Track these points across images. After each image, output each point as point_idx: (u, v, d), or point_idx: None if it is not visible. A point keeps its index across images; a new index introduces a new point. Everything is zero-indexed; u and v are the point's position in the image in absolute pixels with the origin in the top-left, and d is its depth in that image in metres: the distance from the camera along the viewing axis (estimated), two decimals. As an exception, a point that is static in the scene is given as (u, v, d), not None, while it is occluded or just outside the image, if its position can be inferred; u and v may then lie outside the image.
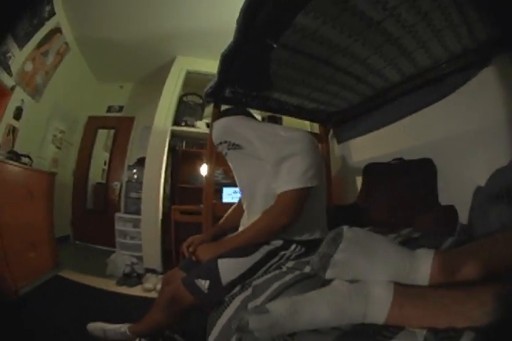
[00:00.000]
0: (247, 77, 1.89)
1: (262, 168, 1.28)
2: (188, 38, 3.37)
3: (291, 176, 1.18)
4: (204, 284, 1.09)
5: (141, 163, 3.59)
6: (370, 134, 2.46)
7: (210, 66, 3.49)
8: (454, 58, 1.65)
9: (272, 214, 1.17)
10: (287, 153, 1.20)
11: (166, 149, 3.41)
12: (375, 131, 2.41)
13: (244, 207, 1.41)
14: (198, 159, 3.76)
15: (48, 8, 2.93)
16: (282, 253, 1.18)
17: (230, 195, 3.26)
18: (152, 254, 3.27)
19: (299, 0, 1.22)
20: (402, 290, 0.62)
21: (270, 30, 1.40)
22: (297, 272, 0.99)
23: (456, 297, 0.57)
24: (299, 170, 1.17)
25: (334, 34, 1.46)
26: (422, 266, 0.65)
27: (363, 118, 2.46)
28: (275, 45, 1.47)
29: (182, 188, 3.77)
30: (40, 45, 3.07)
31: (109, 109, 4.60)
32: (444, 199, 1.67)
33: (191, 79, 3.70)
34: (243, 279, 1.10)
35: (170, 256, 3.22)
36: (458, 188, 1.58)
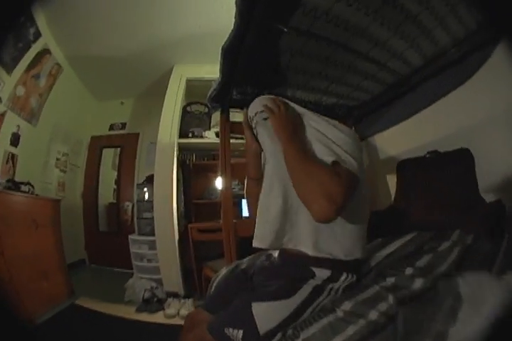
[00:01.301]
0: (257, 73, 1.63)
1: None
2: (183, 45, 3.20)
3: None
4: (236, 334, 0.87)
5: (150, 180, 3.39)
6: (395, 127, 2.23)
7: (210, 71, 3.30)
8: (472, 34, 1.50)
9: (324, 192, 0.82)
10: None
11: (175, 164, 3.21)
12: (400, 123, 2.18)
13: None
14: (210, 172, 3.59)
15: (32, 31, 2.81)
16: (330, 286, 0.92)
17: None
18: (172, 277, 3.07)
19: None
20: None
21: (277, 12, 1.17)
22: (361, 321, 0.75)
23: None
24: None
25: (350, 13, 1.26)
26: None
27: (386, 110, 2.23)
28: (285, 29, 1.23)
29: (197, 204, 3.56)
30: (29, 68, 2.97)
31: (112, 127, 4.49)
32: (485, 193, 1.48)
33: (193, 88, 3.53)
34: (285, 326, 0.86)
35: (191, 277, 3.05)
36: (499, 179, 1.45)
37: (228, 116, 1.97)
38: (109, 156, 4.48)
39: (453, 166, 1.67)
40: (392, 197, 2.05)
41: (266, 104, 1.05)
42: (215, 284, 1.37)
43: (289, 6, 1.15)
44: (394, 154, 2.19)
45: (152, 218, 3.22)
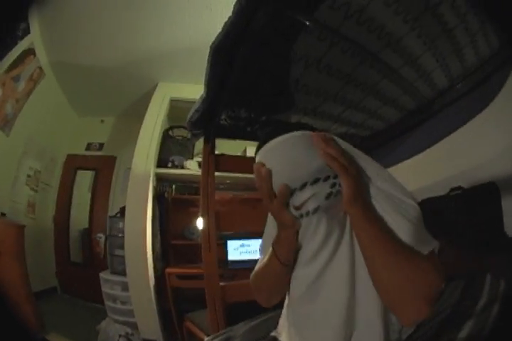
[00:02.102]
0: (255, 90, 1.24)
1: None
2: (170, 60, 2.93)
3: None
4: None
5: (123, 213, 2.95)
6: (411, 159, 1.93)
7: (198, 92, 3.06)
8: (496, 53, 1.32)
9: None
10: None
11: (150, 197, 2.79)
12: (418, 155, 1.88)
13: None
14: (192, 207, 3.14)
15: (22, 26, 2.52)
16: None
17: (237, 251, 2.56)
18: (148, 323, 2.69)
19: None
20: None
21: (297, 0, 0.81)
22: None
23: None
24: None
25: (388, 16, 0.97)
26: None
27: (401, 141, 1.96)
28: (307, 22, 0.86)
29: (175, 245, 3.07)
30: (10, 68, 2.65)
31: (89, 147, 4.10)
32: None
33: (177, 109, 3.16)
34: None
35: (172, 326, 2.67)
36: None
37: (213, 147, 1.57)
38: (86, 178, 4.09)
39: (480, 204, 1.46)
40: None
41: (329, 154, 0.61)
42: None
43: None
44: (411, 190, 1.84)
45: (124, 256, 2.82)
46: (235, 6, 0.77)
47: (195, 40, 2.60)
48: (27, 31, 2.59)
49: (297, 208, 0.63)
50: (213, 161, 1.56)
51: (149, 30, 2.57)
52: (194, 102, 2.90)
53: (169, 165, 3.02)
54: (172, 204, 3.15)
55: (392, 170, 2.00)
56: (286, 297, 0.86)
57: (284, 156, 0.64)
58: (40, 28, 2.67)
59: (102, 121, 4.15)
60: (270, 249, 0.77)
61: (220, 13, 2.29)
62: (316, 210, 0.62)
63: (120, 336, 2.58)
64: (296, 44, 0.99)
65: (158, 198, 2.98)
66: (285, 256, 0.73)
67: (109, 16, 2.46)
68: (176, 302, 2.63)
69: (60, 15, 2.50)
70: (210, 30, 2.41)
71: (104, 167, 4.00)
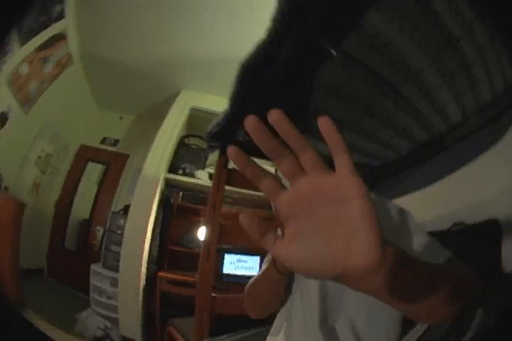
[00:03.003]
0: (280, 109, 1.23)
1: None
2: (197, 69, 2.94)
3: None
4: None
5: (127, 211, 2.98)
6: (418, 192, 1.88)
7: (219, 104, 3.05)
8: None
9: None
10: None
11: (156, 200, 2.82)
12: (425, 188, 1.85)
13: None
14: (194, 216, 3.13)
15: (58, 8, 2.49)
16: None
17: (233, 265, 2.54)
18: (130, 322, 2.65)
19: None
20: None
21: (327, 28, 0.86)
22: None
23: None
24: None
25: (411, 49, 1.01)
26: None
27: (409, 173, 1.94)
28: (335, 53, 0.91)
29: (172, 251, 3.06)
30: (41, 47, 2.61)
31: (104, 141, 4.01)
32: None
33: (196, 119, 3.20)
34: None
35: (153, 329, 2.64)
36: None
37: (227, 161, 1.60)
38: (96, 171, 3.95)
39: (482, 241, 1.36)
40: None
41: None
42: None
43: (345, 23, 0.85)
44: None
45: (119, 253, 2.83)
46: (270, 30, 0.81)
47: (224, 52, 2.60)
48: (61, 15, 2.55)
49: None
50: (226, 175, 1.60)
51: (183, 36, 2.59)
52: (214, 113, 2.97)
53: (180, 172, 3.04)
54: (176, 210, 3.14)
55: (397, 201, 2.01)
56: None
57: None
58: (76, 15, 2.64)
59: (121, 117, 4.05)
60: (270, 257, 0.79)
61: (251, 29, 2.35)
62: None
63: (98, 328, 2.58)
64: (319, 71, 1.03)
65: (163, 203, 3.00)
66: (282, 264, 0.74)
67: (148, 15, 2.46)
68: (162, 306, 2.63)
69: (99, 5, 2.50)
70: (240, 45, 2.49)
71: (115, 163, 3.93)
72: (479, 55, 1.11)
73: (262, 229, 0.36)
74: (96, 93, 3.65)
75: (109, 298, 2.83)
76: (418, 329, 0.96)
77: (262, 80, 1.00)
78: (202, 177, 3.03)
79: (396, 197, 1.96)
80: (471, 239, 1.38)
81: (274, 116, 0.38)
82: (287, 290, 0.84)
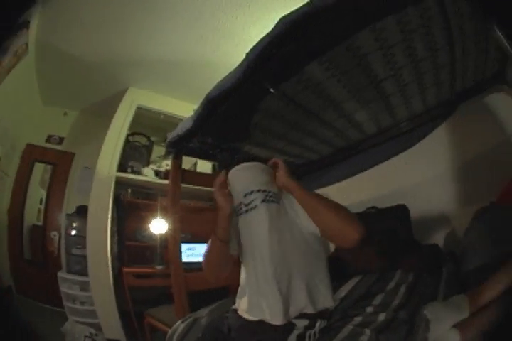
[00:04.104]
0: (227, 127, 1.55)
1: (294, 223, 1.05)
2: (147, 67, 2.84)
3: None
4: None
5: (81, 212, 2.85)
6: (336, 185, 2.37)
7: (164, 104, 3.10)
8: (425, 112, 1.80)
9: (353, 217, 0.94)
10: None
11: (111, 199, 2.78)
12: (342, 181, 2.34)
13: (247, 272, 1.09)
14: (143, 211, 3.13)
15: None
16: (309, 332, 0.96)
17: (185, 253, 2.62)
18: (111, 323, 2.57)
19: (319, 48, 1.05)
20: None
21: (276, 74, 1.16)
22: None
23: None
24: None
25: (336, 88, 1.34)
26: None
27: (330, 169, 2.34)
28: (274, 91, 1.23)
29: (129, 246, 3.03)
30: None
31: (49, 139, 3.69)
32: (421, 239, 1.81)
33: (140, 116, 3.14)
34: None
35: (131, 324, 2.57)
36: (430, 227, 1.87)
37: (181, 163, 1.81)
38: (39, 171, 3.64)
39: (392, 219, 1.84)
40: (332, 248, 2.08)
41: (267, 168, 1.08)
42: None
43: (291, 71, 1.15)
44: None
45: (82, 256, 2.69)
46: (235, 74, 1.08)
47: (176, 54, 2.60)
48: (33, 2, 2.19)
49: (246, 205, 1.02)
50: (180, 174, 1.80)
51: (138, 35, 2.46)
52: (158, 113, 3.12)
53: (128, 170, 3.03)
54: (127, 207, 3.10)
55: (319, 191, 2.34)
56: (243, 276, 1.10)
57: (245, 174, 1.06)
58: (43, 4, 2.34)
59: (65, 113, 3.75)
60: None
61: (207, 35, 2.34)
62: (255, 207, 1.02)
63: (85, 337, 2.42)
64: (262, 101, 1.32)
65: (115, 200, 2.93)
66: (221, 233, 1.03)
67: (109, 12, 2.27)
68: (133, 299, 2.60)
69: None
70: (192, 49, 2.47)
71: (62, 162, 3.65)
72: (400, 88, 1.41)
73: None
74: (43, 86, 3.30)
75: (82, 303, 2.72)
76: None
77: (220, 107, 1.26)
78: (148, 175, 3.08)
79: (318, 188, 2.34)
80: (383, 217, 1.87)
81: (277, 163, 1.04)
82: (242, 260, 1.10)
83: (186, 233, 2.73)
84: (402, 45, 1.10)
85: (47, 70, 3.05)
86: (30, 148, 3.55)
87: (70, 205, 3.20)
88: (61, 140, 3.66)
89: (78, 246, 2.74)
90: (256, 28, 2.19)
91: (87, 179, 2.88)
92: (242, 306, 1.04)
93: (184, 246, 2.53)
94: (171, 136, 1.57)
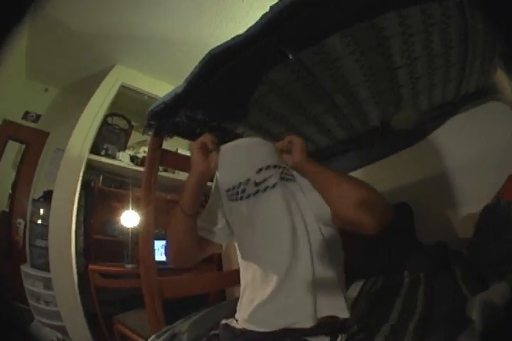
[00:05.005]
0: (223, 99, 1.30)
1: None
2: (138, 46, 2.58)
3: None
4: None
5: (48, 198, 2.44)
6: None
7: (151, 85, 2.83)
8: (430, 110, 1.72)
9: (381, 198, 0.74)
10: None
11: (79, 184, 2.40)
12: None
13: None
14: (116, 202, 2.77)
15: None
16: None
17: (158, 251, 2.24)
18: (77, 328, 2.19)
19: (346, 20, 0.95)
20: None
21: (295, 38, 0.97)
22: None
23: None
24: None
25: (353, 68, 1.20)
26: None
27: (326, 163, 2.09)
28: (291, 56, 1.01)
29: (96, 240, 2.61)
30: None
31: (25, 116, 3.29)
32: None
33: (122, 97, 2.85)
34: None
35: (101, 330, 2.23)
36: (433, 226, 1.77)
37: (162, 141, 1.48)
38: (13, 151, 3.20)
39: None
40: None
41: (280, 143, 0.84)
42: None
43: (310, 39, 1.00)
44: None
45: (47, 248, 2.27)
46: (249, 29, 0.88)
47: (172, 33, 2.38)
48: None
49: (258, 184, 0.79)
50: (159, 154, 1.47)
51: (130, 10, 2.23)
52: (143, 94, 2.83)
53: (102, 152, 2.69)
54: (98, 195, 2.73)
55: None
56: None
57: (256, 147, 0.83)
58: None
59: (47, 89, 3.39)
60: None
61: (211, 20, 2.18)
62: (274, 185, 0.79)
63: None
64: (271, 70, 1.11)
65: (84, 187, 2.57)
66: (188, 204, 0.79)
67: None
68: (100, 303, 2.26)
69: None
70: (186, 30, 2.30)
71: (35, 142, 3.23)
72: (411, 81, 1.33)
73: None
74: (30, 59, 2.99)
75: (47, 303, 2.31)
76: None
77: (221, 69, 1.02)
78: (124, 160, 2.75)
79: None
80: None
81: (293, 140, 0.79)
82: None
83: (160, 228, 2.32)
84: (421, 36, 1.08)
85: (37, 40, 2.73)
86: (6, 124, 3.14)
87: (38, 190, 2.82)
88: (38, 117, 3.27)
89: (44, 237, 2.32)
90: (261, 13, 2.04)
91: (59, 162, 2.48)
92: (244, 315, 0.79)
93: (157, 243, 2.18)
94: (155, 104, 1.27)
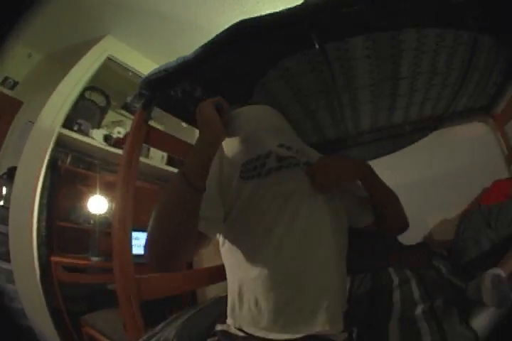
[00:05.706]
0: (230, 77, 1.18)
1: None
2: (134, 18, 2.38)
3: None
4: None
5: (13, 175, 2.09)
6: None
7: (138, 62, 2.67)
8: (420, 121, 1.82)
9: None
10: None
11: (46, 161, 2.09)
12: None
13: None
14: (82, 185, 2.44)
15: None
16: None
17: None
18: (44, 328, 1.86)
19: (375, 25, 0.98)
20: None
21: (327, 30, 0.97)
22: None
23: None
24: None
25: (364, 70, 1.24)
26: None
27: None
28: (317, 45, 1.02)
29: (59, 227, 2.25)
30: None
31: (3, 82, 2.85)
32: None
33: (106, 71, 2.63)
34: None
35: (67, 331, 1.92)
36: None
37: (149, 116, 1.26)
38: None
39: None
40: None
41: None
42: None
43: (339, 34, 1.01)
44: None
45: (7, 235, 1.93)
46: (288, 9, 0.84)
47: (173, 9, 2.22)
48: None
49: (280, 159, 0.68)
50: (145, 130, 1.25)
51: None
52: (128, 70, 2.66)
53: (75, 127, 2.42)
54: (64, 176, 2.39)
55: None
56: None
57: (278, 117, 0.83)
58: None
59: (30, 55, 2.99)
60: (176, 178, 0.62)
61: (217, 3, 2.09)
62: (299, 164, 0.70)
63: None
64: (288, 56, 1.08)
65: (51, 166, 2.24)
66: (198, 174, 0.61)
67: None
68: (65, 300, 1.95)
69: None
70: (194, 10, 2.19)
71: (5, 111, 2.79)
72: (410, 92, 1.41)
73: None
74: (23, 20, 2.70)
75: (11, 300, 1.85)
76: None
77: (241, 42, 0.93)
78: (97, 138, 2.52)
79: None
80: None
81: None
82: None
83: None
84: (430, 54, 1.18)
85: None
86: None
87: (3, 166, 2.43)
88: (15, 84, 2.88)
89: (4, 222, 1.95)
90: (271, 5, 2.04)
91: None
92: (263, 323, 0.62)
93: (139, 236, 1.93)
94: (153, 71, 1.11)
